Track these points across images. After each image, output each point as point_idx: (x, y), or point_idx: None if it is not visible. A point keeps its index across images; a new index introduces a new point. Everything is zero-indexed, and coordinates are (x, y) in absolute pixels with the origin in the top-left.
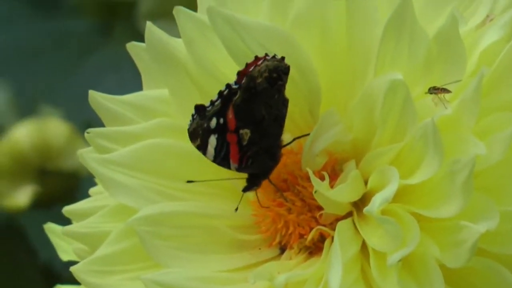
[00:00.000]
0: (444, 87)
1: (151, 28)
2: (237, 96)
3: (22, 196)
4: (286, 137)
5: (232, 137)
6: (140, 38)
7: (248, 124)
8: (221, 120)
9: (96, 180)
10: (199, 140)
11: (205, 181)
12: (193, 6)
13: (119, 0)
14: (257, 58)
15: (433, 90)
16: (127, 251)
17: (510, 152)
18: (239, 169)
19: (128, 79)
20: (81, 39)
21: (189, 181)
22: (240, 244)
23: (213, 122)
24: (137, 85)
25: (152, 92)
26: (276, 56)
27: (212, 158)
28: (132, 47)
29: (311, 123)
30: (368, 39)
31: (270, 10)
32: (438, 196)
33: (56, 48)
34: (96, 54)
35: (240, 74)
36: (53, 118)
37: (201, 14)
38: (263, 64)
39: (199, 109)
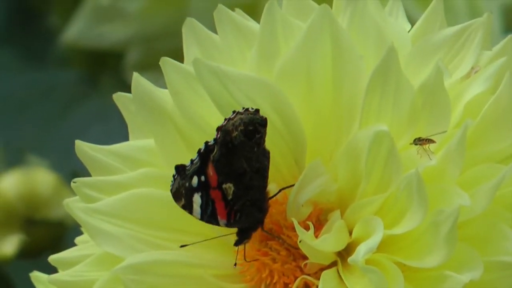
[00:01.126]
0: (429, 137)
1: (137, 79)
2: (214, 151)
3: (8, 246)
4: (272, 187)
5: (216, 193)
6: (127, 89)
7: (230, 178)
8: (202, 178)
9: (82, 229)
10: (183, 200)
11: (199, 242)
12: (180, 58)
13: (107, 51)
14: (234, 113)
15: (418, 142)
16: None
17: (494, 204)
18: (228, 225)
19: (115, 130)
20: (68, 89)
21: (182, 246)
22: None
23: (195, 181)
24: (123, 136)
25: (138, 142)
26: (250, 109)
27: (199, 216)
28: (119, 97)
29: (297, 173)
30: (353, 91)
31: (257, 61)
32: (422, 246)
33: (43, 98)
34: (83, 104)
35: (218, 129)
36: (40, 168)
37: (188, 66)
38: (237, 118)
39: (179, 169)
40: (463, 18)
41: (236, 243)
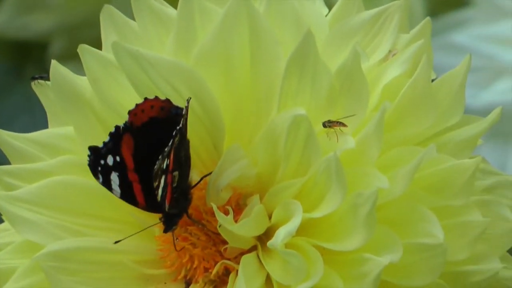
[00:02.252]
0: (340, 120)
1: (56, 67)
2: (176, 138)
3: None
4: (192, 174)
5: (169, 179)
6: None
7: (177, 166)
8: (117, 158)
9: (3, 217)
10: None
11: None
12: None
13: (31, 42)
14: (146, 100)
15: (328, 124)
16: (34, 287)
17: (413, 186)
18: (169, 209)
19: (41, 121)
20: None
21: (116, 242)
22: (146, 279)
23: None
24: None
25: (57, 130)
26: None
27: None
28: (38, 85)
29: (216, 158)
30: (271, 75)
31: (175, 47)
32: (341, 229)
33: None
34: (8, 96)
35: (129, 112)
36: None
37: (106, 53)
38: (185, 107)
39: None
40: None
41: (165, 230)
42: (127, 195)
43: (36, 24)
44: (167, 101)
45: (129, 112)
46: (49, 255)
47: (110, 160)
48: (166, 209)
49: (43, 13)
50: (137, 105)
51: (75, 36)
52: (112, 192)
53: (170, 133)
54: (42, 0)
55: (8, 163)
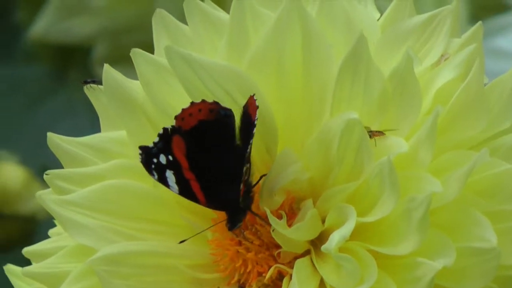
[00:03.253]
0: (380, 130)
1: (108, 70)
2: (254, 130)
3: None
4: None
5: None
6: None
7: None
8: (170, 157)
9: (56, 221)
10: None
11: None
12: (147, 52)
13: (74, 46)
14: (192, 104)
15: (369, 133)
16: None
17: (465, 190)
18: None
19: (82, 124)
20: (36, 85)
21: (181, 242)
22: (199, 283)
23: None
24: (91, 130)
25: (110, 134)
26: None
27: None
28: (90, 89)
29: (269, 162)
30: (323, 79)
31: (227, 51)
32: (395, 233)
33: (10, 94)
34: (51, 99)
35: (177, 118)
36: (9, 163)
37: (158, 57)
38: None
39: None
40: (429, 8)
41: (230, 228)
42: (185, 192)
43: (78, 28)
44: (215, 103)
45: (176, 117)
46: (102, 259)
47: (162, 159)
48: (240, 202)
49: (86, 18)
50: (183, 109)
51: (117, 40)
52: (170, 189)
53: (220, 134)
54: (85, 4)
55: (60, 166)
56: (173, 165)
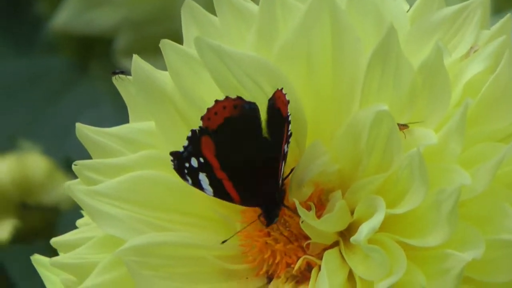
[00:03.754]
0: (405, 124)
1: (137, 61)
2: (290, 125)
3: (2, 231)
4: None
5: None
6: None
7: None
8: (201, 159)
9: (83, 211)
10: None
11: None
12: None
13: (95, 37)
14: (216, 102)
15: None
16: (115, 282)
17: (495, 182)
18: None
19: (106, 115)
20: (58, 76)
21: (223, 242)
22: (228, 274)
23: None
24: (115, 121)
25: (138, 125)
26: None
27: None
28: (119, 80)
29: (298, 155)
30: (352, 71)
31: (256, 43)
32: (424, 225)
33: (33, 85)
34: (73, 90)
35: (203, 119)
36: (33, 154)
37: (187, 47)
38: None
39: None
40: (457, 1)
41: (268, 224)
42: (219, 193)
43: (101, 19)
44: (239, 98)
45: (202, 118)
46: (131, 250)
47: (194, 162)
48: (276, 197)
49: (108, 9)
50: (208, 109)
51: (139, 31)
52: (205, 192)
53: (246, 129)
54: None
55: (83, 157)
56: (205, 167)
